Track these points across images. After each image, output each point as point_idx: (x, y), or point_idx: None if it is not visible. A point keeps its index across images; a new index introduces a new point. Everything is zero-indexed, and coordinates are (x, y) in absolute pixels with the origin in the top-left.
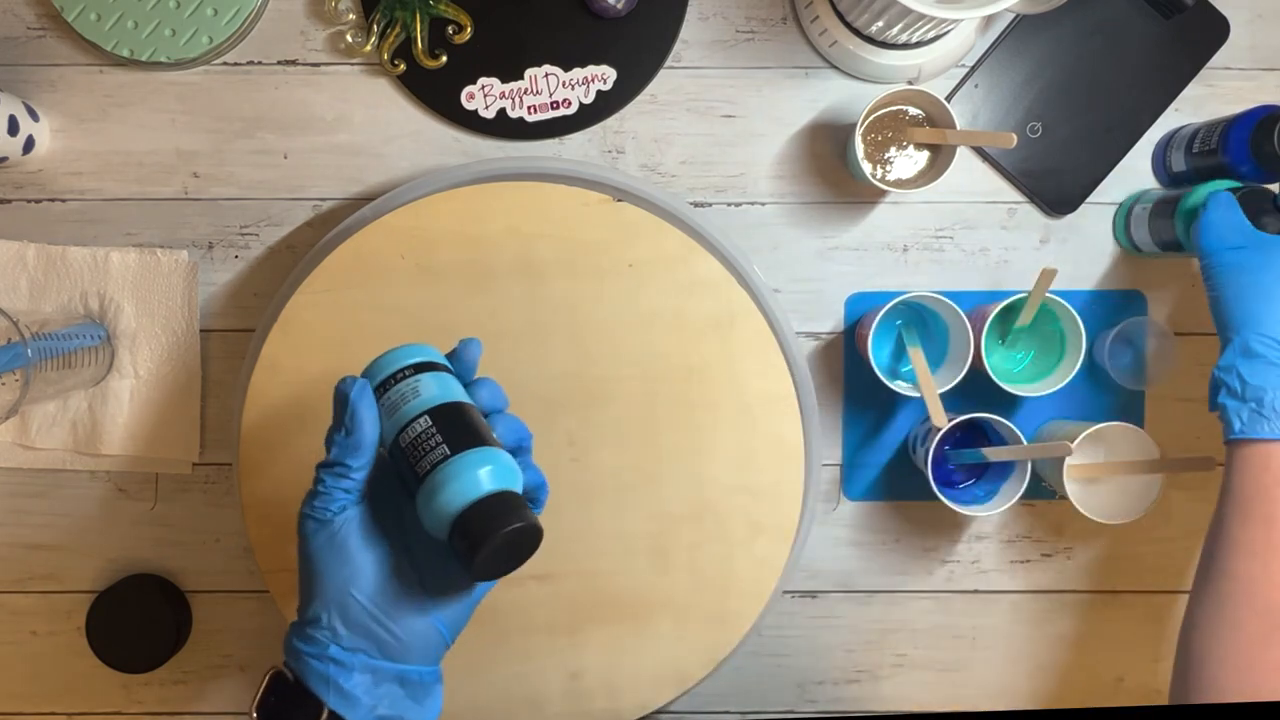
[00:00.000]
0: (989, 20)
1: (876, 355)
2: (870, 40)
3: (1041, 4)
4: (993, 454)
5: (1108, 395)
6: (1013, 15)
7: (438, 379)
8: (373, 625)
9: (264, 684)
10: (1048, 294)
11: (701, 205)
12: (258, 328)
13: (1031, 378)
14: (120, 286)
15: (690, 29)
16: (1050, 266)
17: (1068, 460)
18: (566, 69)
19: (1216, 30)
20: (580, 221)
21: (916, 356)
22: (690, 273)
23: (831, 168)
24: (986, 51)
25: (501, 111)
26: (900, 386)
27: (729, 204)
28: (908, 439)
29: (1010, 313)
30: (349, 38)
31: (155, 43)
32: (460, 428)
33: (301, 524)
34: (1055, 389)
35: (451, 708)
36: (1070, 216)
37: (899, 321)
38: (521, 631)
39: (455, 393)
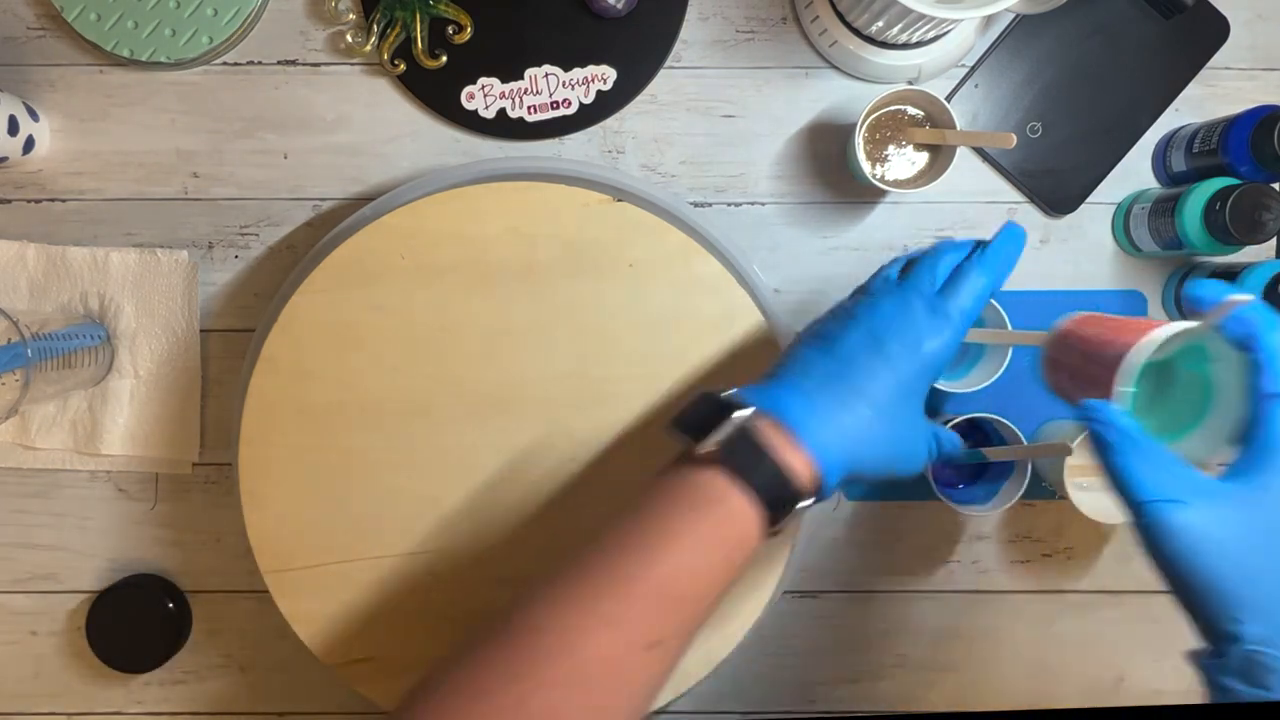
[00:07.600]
0: (989, 20)
1: None
2: (870, 40)
3: (1041, 4)
4: (993, 454)
5: None
6: (1013, 15)
7: None
8: None
9: None
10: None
11: (701, 205)
12: (258, 328)
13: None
14: (120, 286)
15: (690, 29)
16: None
17: (1068, 460)
18: (566, 69)
19: (1216, 30)
20: (580, 221)
21: None
22: (690, 273)
23: (831, 168)
24: (986, 51)
25: (501, 111)
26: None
27: (729, 204)
28: None
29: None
30: (349, 38)
31: (155, 43)
32: None
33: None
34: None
35: None
36: (1070, 216)
37: None
38: None
39: None
